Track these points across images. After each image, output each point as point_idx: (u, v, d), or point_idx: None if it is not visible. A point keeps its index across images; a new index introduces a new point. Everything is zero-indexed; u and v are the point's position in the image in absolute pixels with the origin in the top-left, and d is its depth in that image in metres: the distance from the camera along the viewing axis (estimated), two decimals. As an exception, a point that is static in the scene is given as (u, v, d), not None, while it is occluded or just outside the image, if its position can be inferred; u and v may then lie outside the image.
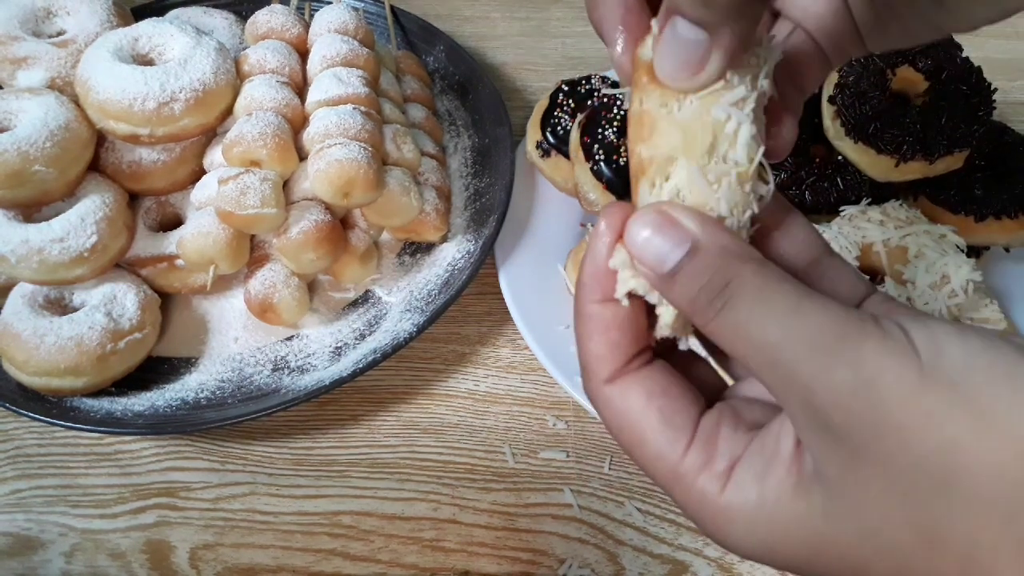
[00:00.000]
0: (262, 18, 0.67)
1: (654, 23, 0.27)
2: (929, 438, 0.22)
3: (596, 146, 0.64)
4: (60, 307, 0.60)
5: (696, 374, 0.30)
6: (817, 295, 0.24)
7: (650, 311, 0.28)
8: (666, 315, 0.28)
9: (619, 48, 0.30)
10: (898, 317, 0.24)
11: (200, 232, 0.58)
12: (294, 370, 0.60)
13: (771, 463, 0.25)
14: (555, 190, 0.72)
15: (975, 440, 0.21)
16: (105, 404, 0.57)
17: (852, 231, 0.59)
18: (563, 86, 0.73)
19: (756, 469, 0.26)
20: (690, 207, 0.26)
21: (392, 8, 0.83)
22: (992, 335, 0.23)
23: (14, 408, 0.56)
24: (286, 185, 0.60)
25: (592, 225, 0.66)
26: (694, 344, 0.28)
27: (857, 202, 0.63)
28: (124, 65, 0.59)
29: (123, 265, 0.62)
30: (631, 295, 0.28)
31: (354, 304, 0.65)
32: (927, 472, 0.22)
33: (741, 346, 0.25)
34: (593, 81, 0.73)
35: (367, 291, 0.66)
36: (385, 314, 0.63)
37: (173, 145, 0.63)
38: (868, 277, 0.55)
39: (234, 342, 0.63)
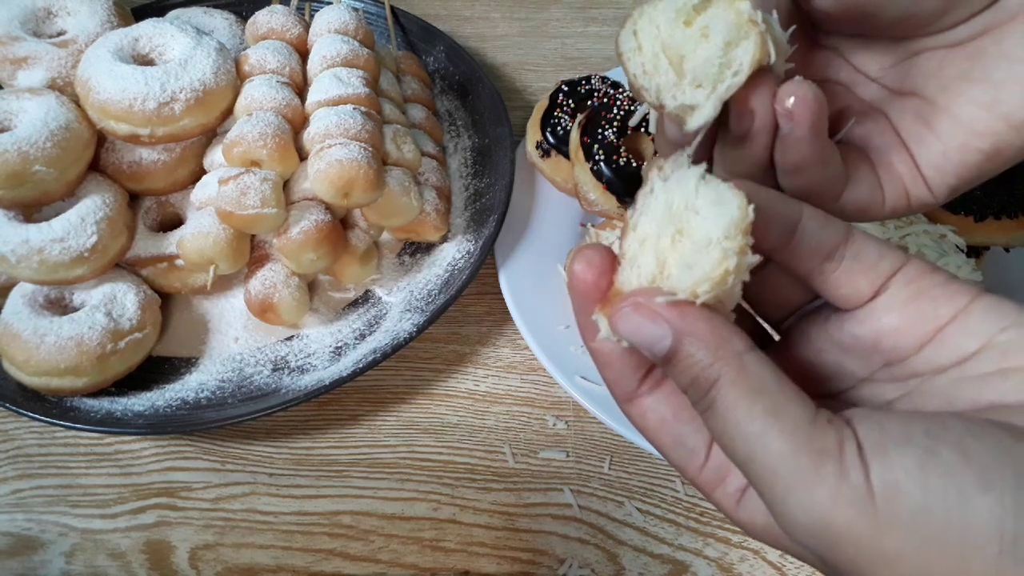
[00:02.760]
0: (262, 18, 0.67)
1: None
2: None
3: (596, 146, 0.64)
4: (60, 307, 0.60)
5: None
6: (790, 404, 0.24)
7: None
8: None
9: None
10: (869, 431, 0.24)
11: (200, 232, 0.58)
12: (294, 370, 0.60)
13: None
14: (555, 190, 0.72)
15: None
16: (105, 404, 0.57)
17: (852, 231, 0.59)
18: (563, 86, 0.73)
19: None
20: (668, 291, 0.26)
21: (392, 8, 0.83)
22: (966, 454, 0.22)
23: (14, 408, 0.56)
24: (286, 185, 0.60)
25: (592, 225, 0.66)
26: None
27: (857, 202, 0.62)
28: (124, 65, 0.59)
29: (123, 265, 0.62)
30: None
31: (354, 304, 0.65)
32: None
33: (727, 447, 0.25)
34: (593, 81, 0.73)
35: (367, 291, 0.66)
36: (385, 314, 0.64)
37: (173, 145, 0.63)
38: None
39: (234, 342, 0.63)
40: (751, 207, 0.25)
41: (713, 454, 0.29)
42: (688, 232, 0.26)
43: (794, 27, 0.31)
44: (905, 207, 0.34)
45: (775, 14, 0.30)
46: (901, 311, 0.27)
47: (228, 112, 0.62)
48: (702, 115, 0.29)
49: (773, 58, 0.28)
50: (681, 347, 0.25)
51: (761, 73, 0.29)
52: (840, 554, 0.23)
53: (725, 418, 0.25)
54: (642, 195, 0.28)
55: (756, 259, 0.25)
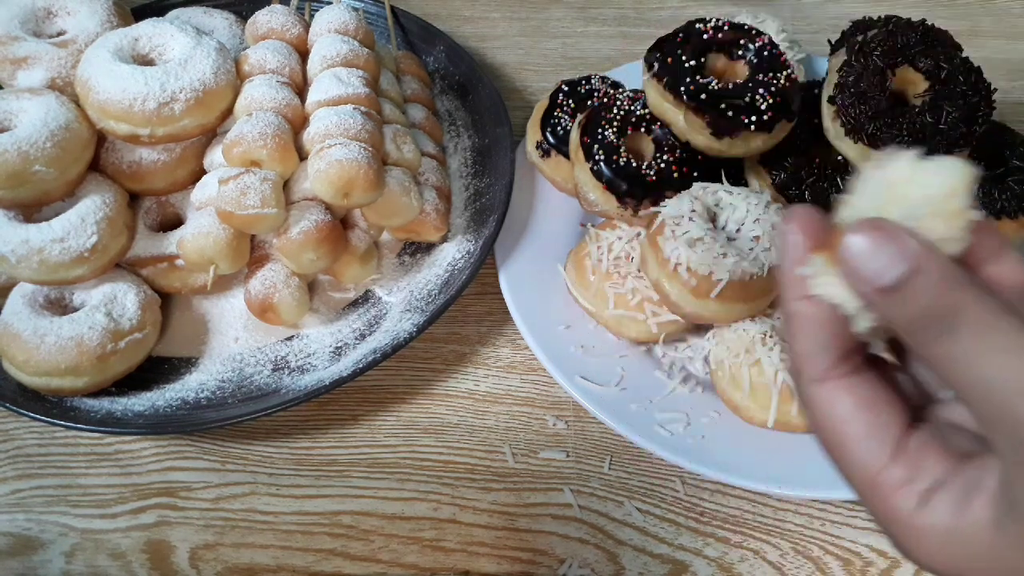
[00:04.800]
0: (262, 18, 0.67)
1: None
2: None
3: (596, 146, 0.64)
4: (60, 307, 0.60)
5: (903, 383, 0.30)
6: None
7: None
8: (861, 324, 0.28)
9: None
10: None
11: (200, 232, 0.58)
12: (294, 370, 0.60)
13: (972, 495, 0.26)
14: (555, 190, 0.72)
15: None
16: (105, 404, 0.57)
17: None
18: (563, 86, 0.73)
19: (955, 498, 0.26)
20: (909, 228, 0.26)
21: (392, 8, 0.83)
22: None
23: (14, 408, 0.56)
24: (286, 185, 0.60)
25: (592, 225, 0.66)
26: (887, 355, 0.29)
27: (857, 202, 0.62)
28: (124, 65, 0.59)
29: (123, 265, 0.62)
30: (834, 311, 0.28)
31: (354, 304, 0.65)
32: None
33: (957, 376, 0.25)
34: (593, 81, 0.73)
35: (367, 291, 0.66)
36: (385, 314, 0.64)
37: (173, 145, 0.63)
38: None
39: (234, 342, 0.63)
40: (968, 169, 0.26)
41: (904, 450, 0.27)
42: (909, 198, 0.26)
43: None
44: None
45: None
46: None
47: (228, 112, 0.62)
48: None
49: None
50: (920, 272, 0.25)
51: None
52: None
53: (970, 340, 0.24)
54: (857, 183, 0.28)
55: (977, 215, 0.26)
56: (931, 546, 0.26)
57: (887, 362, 0.29)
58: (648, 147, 0.66)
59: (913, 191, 0.26)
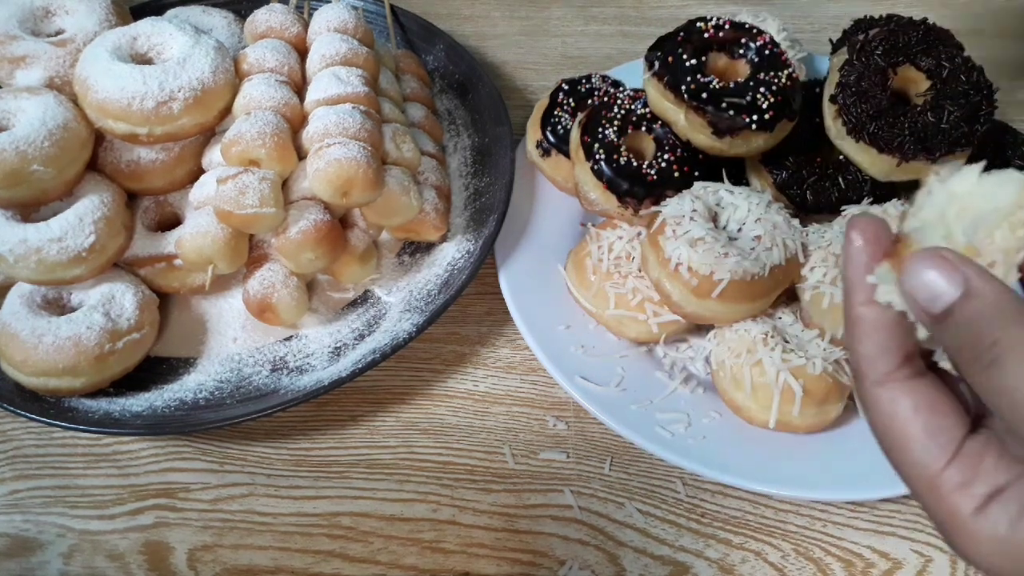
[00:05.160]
0: (261, 17, 0.67)
1: None
2: None
3: (596, 145, 0.64)
4: (58, 307, 0.59)
5: (964, 392, 0.31)
6: None
7: None
8: (922, 332, 0.29)
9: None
10: None
11: (199, 232, 0.57)
12: (293, 370, 0.60)
13: None
14: (555, 190, 0.72)
15: None
16: (103, 404, 0.57)
17: (854, 231, 0.58)
18: (563, 85, 0.73)
19: (1013, 509, 0.27)
20: (968, 257, 0.27)
21: (392, 7, 0.83)
22: None
23: (12, 408, 0.55)
24: (285, 184, 0.60)
25: (592, 225, 0.66)
26: (946, 364, 0.29)
27: (858, 202, 0.62)
28: (123, 64, 0.58)
29: (121, 265, 0.62)
30: (897, 315, 0.29)
31: (353, 304, 0.65)
32: None
33: (1004, 404, 0.25)
34: (593, 80, 0.73)
35: (366, 291, 0.66)
36: (384, 314, 0.63)
37: (172, 144, 0.63)
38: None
39: (233, 342, 0.63)
40: None
41: (963, 453, 0.28)
42: (974, 210, 0.27)
43: None
44: None
45: None
46: None
47: (227, 111, 0.62)
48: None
49: None
50: (969, 300, 0.26)
51: None
52: None
53: (1015, 371, 0.25)
54: (920, 195, 0.29)
55: None
56: (985, 551, 0.27)
57: (947, 371, 0.30)
58: (649, 146, 0.66)
59: (978, 203, 0.27)
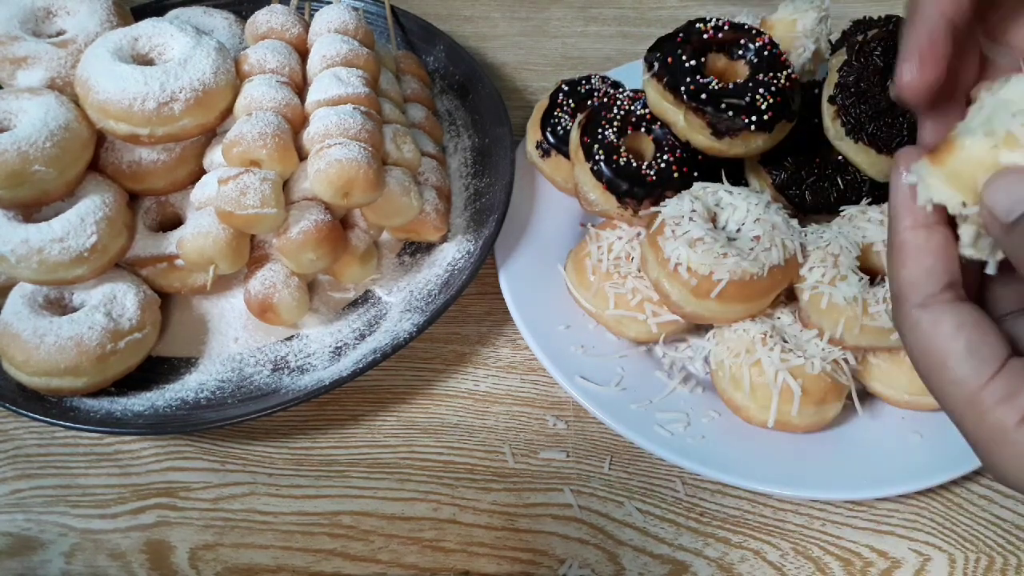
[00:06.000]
0: (262, 18, 0.67)
1: None
2: None
3: (596, 146, 0.64)
4: (60, 307, 0.60)
5: (1010, 327, 0.31)
6: None
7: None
8: (966, 234, 0.29)
9: (906, 75, 0.31)
10: None
11: (200, 232, 0.58)
12: (294, 370, 0.60)
13: None
14: (555, 190, 0.72)
15: None
16: (105, 404, 0.57)
17: (852, 231, 0.59)
18: (563, 86, 0.73)
19: None
20: None
21: (392, 8, 0.83)
22: None
23: (14, 408, 0.56)
24: (286, 185, 0.60)
25: (592, 225, 0.66)
26: (993, 270, 0.30)
27: (857, 202, 0.62)
28: (124, 65, 0.58)
29: (123, 265, 0.62)
30: (939, 235, 0.29)
31: (354, 304, 0.65)
32: None
33: None
34: (593, 81, 0.73)
35: (367, 291, 0.66)
36: (385, 314, 0.63)
37: (173, 145, 0.63)
38: (868, 277, 0.55)
39: (234, 342, 0.63)
40: None
41: (1007, 368, 0.28)
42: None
43: None
44: None
45: None
46: None
47: (228, 112, 0.62)
48: None
49: None
50: None
51: None
52: None
53: None
54: (972, 109, 0.30)
55: None
56: None
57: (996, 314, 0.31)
58: (648, 147, 0.66)
59: None
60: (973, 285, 0.33)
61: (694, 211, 0.57)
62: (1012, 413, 0.27)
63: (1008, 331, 0.31)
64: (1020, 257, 0.28)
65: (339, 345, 0.62)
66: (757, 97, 0.60)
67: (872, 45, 0.62)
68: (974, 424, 0.28)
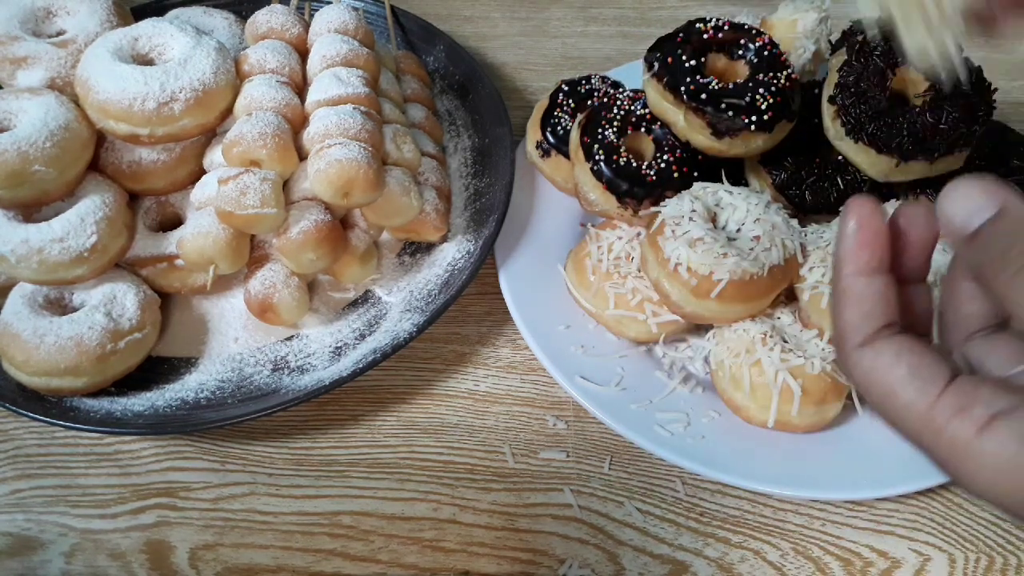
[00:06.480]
0: (262, 18, 0.67)
1: None
2: None
3: (596, 146, 0.64)
4: (60, 307, 0.60)
5: (967, 354, 0.32)
6: None
7: (902, 289, 0.31)
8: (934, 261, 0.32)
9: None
10: None
11: (200, 232, 0.58)
12: (294, 370, 0.60)
13: None
14: (555, 190, 0.72)
15: None
16: (105, 404, 0.57)
17: (852, 231, 0.58)
18: (563, 86, 0.73)
19: (1020, 427, 0.26)
20: (1006, 182, 0.29)
21: (392, 8, 0.83)
22: None
23: (14, 408, 0.56)
24: (286, 185, 0.60)
25: (592, 225, 0.66)
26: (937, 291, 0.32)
27: (857, 202, 0.62)
28: (124, 65, 0.58)
29: (123, 265, 0.62)
30: (879, 282, 0.30)
31: (354, 304, 0.65)
32: None
33: None
34: (593, 81, 0.73)
35: (367, 291, 0.66)
36: (385, 314, 0.63)
37: (173, 145, 0.63)
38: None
39: (234, 342, 0.63)
40: None
41: (955, 384, 0.28)
42: None
43: None
44: None
45: None
46: None
47: (228, 112, 0.62)
48: None
49: None
50: (1003, 216, 0.28)
51: None
52: None
53: None
54: None
55: None
56: (991, 474, 0.26)
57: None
58: (648, 147, 0.66)
59: None
60: (926, 319, 0.33)
61: (694, 211, 0.57)
62: (968, 425, 0.27)
63: (971, 354, 0.32)
64: (984, 268, 0.28)
65: (339, 345, 0.62)
66: (757, 97, 0.60)
67: (872, 45, 0.62)
68: (933, 443, 0.28)
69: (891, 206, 0.60)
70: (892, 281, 0.31)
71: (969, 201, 0.28)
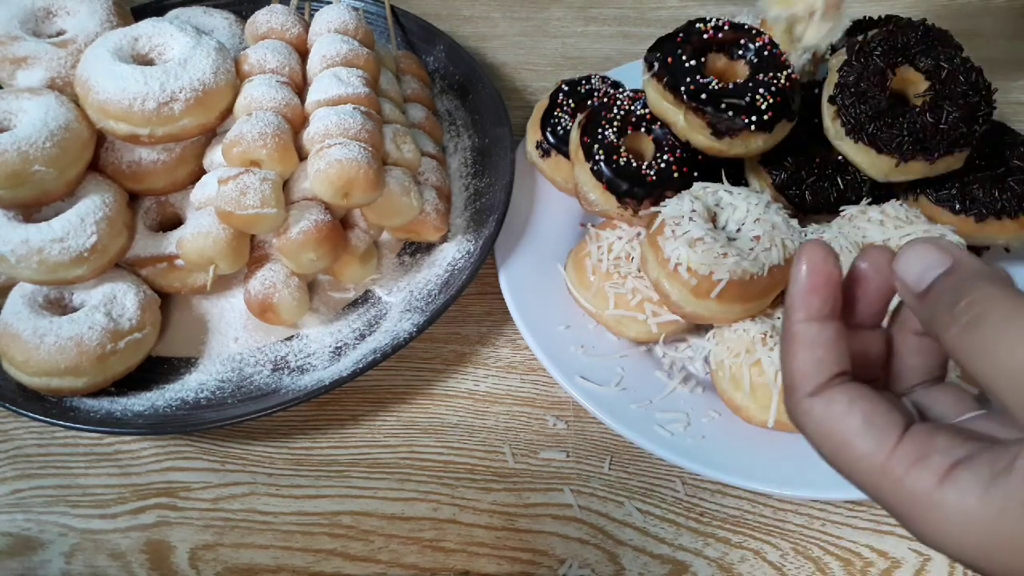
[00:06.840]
0: (262, 18, 0.67)
1: None
2: None
3: (596, 146, 0.64)
4: (60, 307, 0.60)
5: (919, 401, 0.31)
6: None
7: (854, 337, 0.31)
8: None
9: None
10: None
11: (200, 232, 0.58)
12: (294, 370, 0.60)
13: (1002, 475, 0.25)
14: (555, 190, 0.72)
15: None
16: (105, 404, 0.57)
17: (852, 231, 0.59)
18: (563, 86, 0.73)
19: (982, 476, 0.25)
20: (958, 245, 0.29)
21: (392, 8, 0.83)
22: None
23: (14, 408, 0.56)
24: (286, 185, 0.60)
25: (592, 225, 0.66)
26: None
27: (857, 202, 0.62)
28: (124, 65, 0.58)
29: (123, 265, 0.62)
30: (831, 328, 0.30)
31: (354, 304, 0.65)
32: None
33: (984, 364, 0.25)
34: (593, 81, 0.73)
35: (367, 291, 0.66)
36: (385, 314, 0.63)
37: (173, 145, 0.63)
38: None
39: (234, 342, 0.63)
40: None
41: (911, 433, 0.27)
42: None
43: None
44: None
45: None
46: None
47: (228, 112, 0.62)
48: None
49: None
50: (953, 271, 0.28)
51: None
52: None
53: (996, 327, 0.25)
54: None
55: None
56: (954, 528, 0.25)
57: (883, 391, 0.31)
58: (648, 147, 0.66)
59: None
60: (879, 364, 0.33)
61: (694, 211, 0.57)
62: (928, 475, 0.26)
63: (917, 401, 0.32)
64: (934, 323, 0.28)
65: (339, 345, 0.62)
66: (757, 97, 0.60)
67: (872, 45, 0.62)
68: (893, 495, 0.27)
69: (891, 206, 0.60)
70: (843, 328, 0.30)
71: (923, 260, 0.29)
